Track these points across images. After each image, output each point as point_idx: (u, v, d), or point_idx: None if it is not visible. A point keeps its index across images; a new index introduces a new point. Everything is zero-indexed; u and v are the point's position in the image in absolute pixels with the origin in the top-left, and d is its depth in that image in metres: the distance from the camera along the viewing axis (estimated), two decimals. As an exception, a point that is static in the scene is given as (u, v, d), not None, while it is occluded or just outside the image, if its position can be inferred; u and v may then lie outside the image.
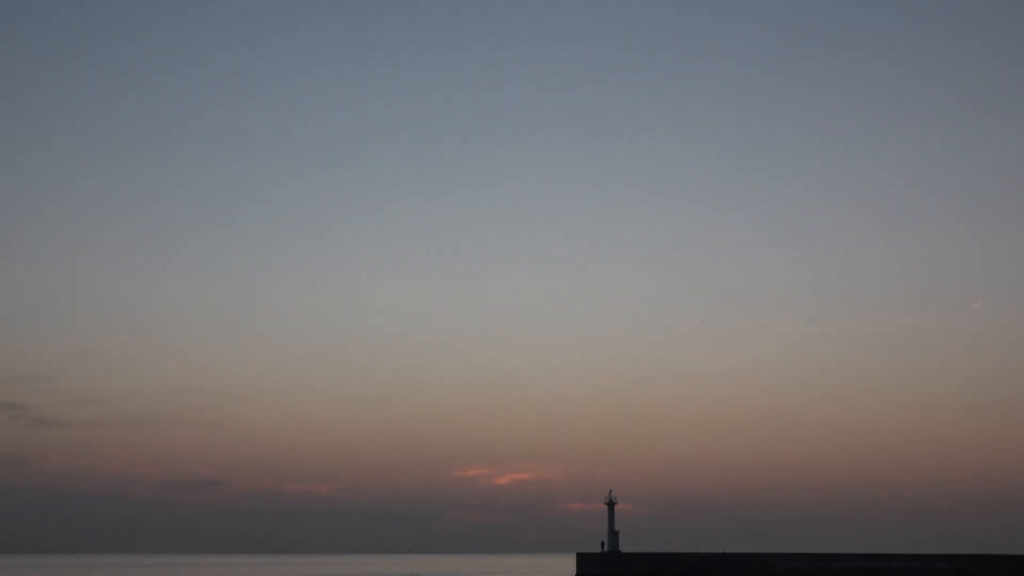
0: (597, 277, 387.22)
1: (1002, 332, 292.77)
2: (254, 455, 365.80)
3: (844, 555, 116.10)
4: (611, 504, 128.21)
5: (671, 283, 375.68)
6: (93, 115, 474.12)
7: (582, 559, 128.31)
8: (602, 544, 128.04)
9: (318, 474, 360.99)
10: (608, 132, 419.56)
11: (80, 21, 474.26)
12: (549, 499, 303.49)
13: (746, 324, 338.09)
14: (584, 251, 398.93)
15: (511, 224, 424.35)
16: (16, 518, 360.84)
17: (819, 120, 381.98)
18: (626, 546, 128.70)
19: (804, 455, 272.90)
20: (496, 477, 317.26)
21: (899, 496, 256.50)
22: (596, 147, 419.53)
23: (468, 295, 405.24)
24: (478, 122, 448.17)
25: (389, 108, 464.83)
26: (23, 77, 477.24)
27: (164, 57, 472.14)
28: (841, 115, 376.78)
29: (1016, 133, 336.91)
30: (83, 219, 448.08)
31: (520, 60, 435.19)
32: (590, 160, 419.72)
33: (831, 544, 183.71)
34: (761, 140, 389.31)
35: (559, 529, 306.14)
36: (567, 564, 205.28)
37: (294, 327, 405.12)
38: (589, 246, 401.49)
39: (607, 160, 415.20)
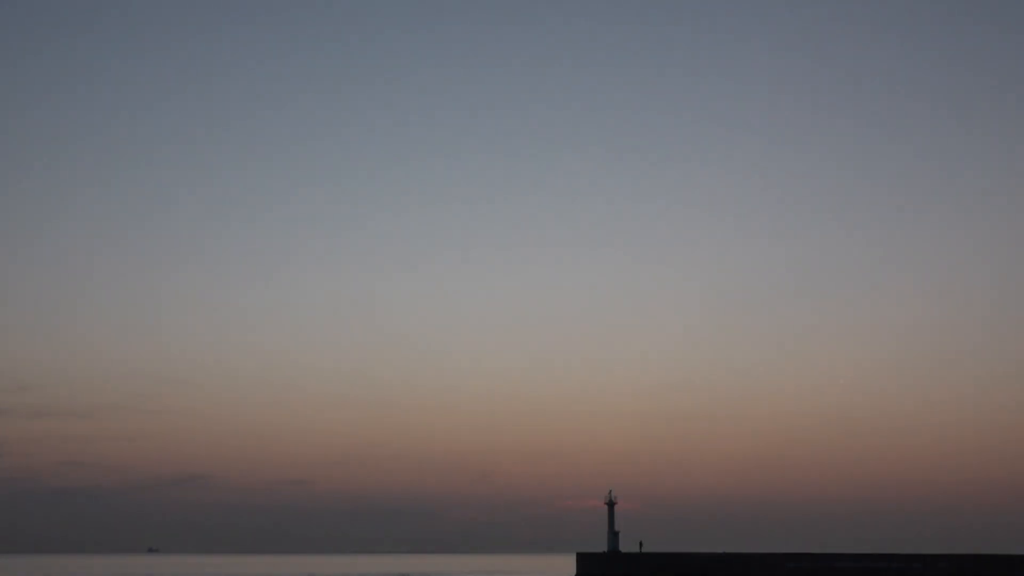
0: (592, 278, 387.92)
1: (1006, 335, 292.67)
2: (231, 448, 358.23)
3: (844, 555, 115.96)
4: (611, 504, 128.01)
5: (671, 283, 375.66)
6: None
7: (582, 559, 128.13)
8: (616, 539, 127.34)
9: (308, 470, 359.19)
10: (601, 146, 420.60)
11: (101, 38, 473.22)
12: (549, 499, 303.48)
13: (748, 324, 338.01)
14: (585, 256, 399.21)
15: (510, 232, 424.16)
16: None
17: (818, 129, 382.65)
18: (626, 546, 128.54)
19: (805, 455, 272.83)
20: (496, 476, 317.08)
21: (899, 496, 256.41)
22: (587, 160, 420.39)
23: (468, 296, 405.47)
24: (486, 136, 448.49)
25: (407, 121, 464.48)
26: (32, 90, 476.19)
27: (180, 69, 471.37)
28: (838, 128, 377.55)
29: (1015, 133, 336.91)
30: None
31: (529, 79, 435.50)
32: (591, 174, 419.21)
33: (831, 544, 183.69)
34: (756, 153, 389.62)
35: (559, 529, 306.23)
36: (567, 564, 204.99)
37: (289, 321, 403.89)
38: (590, 253, 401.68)
39: (604, 172, 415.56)
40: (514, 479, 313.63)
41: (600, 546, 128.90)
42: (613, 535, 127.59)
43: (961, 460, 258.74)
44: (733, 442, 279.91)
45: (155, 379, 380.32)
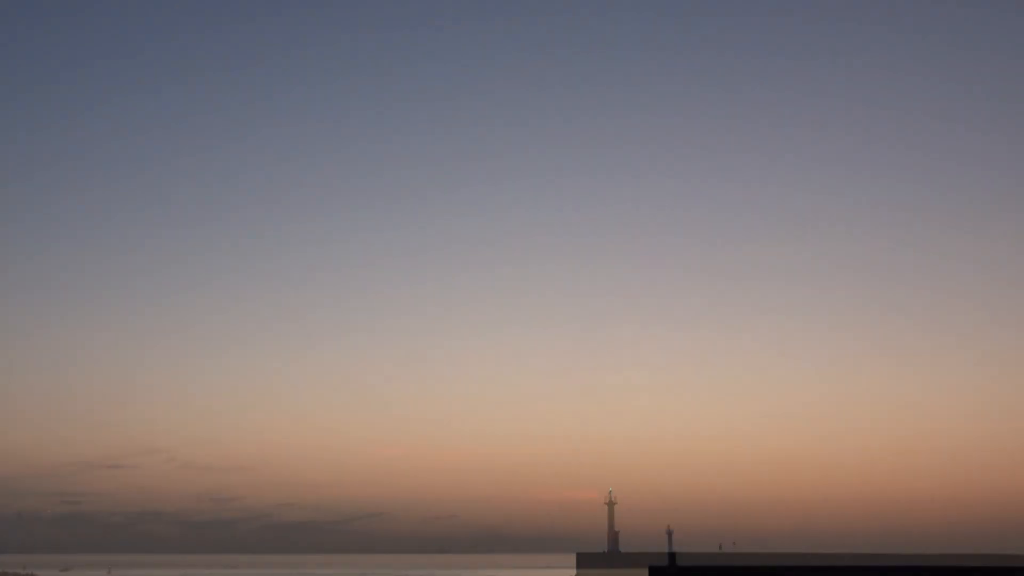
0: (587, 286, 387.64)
1: (1008, 339, 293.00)
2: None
3: (844, 555, 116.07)
4: (611, 504, 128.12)
5: (672, 283, 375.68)
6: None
7: (582, 559, 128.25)
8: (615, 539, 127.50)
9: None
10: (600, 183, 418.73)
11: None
12: (548, 498, 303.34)
13: (749, 325, 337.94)
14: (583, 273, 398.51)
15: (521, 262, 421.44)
16: None
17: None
18: (626, 546, 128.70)
19: (806, 456, 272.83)
20: (494, 475, 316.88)
21: (900, 497, 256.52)
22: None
23: (474, 300, 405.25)
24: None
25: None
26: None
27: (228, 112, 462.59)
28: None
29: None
30: None
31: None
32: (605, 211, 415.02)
33: (831, 544, 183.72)
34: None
35: (559, 529, 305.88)
36: (567, 564, 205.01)
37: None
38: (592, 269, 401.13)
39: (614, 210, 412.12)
40: (512, 477, 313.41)
41: (600, 546, 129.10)
42: (613, 535, 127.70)
43: (960, 462, 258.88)
44: (735, 442, 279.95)
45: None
